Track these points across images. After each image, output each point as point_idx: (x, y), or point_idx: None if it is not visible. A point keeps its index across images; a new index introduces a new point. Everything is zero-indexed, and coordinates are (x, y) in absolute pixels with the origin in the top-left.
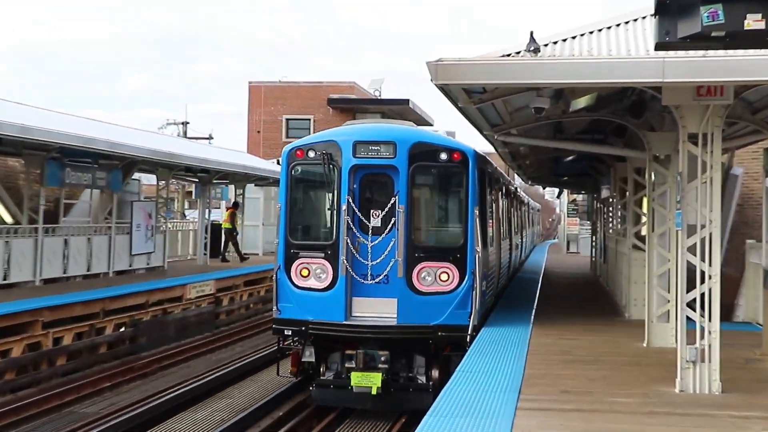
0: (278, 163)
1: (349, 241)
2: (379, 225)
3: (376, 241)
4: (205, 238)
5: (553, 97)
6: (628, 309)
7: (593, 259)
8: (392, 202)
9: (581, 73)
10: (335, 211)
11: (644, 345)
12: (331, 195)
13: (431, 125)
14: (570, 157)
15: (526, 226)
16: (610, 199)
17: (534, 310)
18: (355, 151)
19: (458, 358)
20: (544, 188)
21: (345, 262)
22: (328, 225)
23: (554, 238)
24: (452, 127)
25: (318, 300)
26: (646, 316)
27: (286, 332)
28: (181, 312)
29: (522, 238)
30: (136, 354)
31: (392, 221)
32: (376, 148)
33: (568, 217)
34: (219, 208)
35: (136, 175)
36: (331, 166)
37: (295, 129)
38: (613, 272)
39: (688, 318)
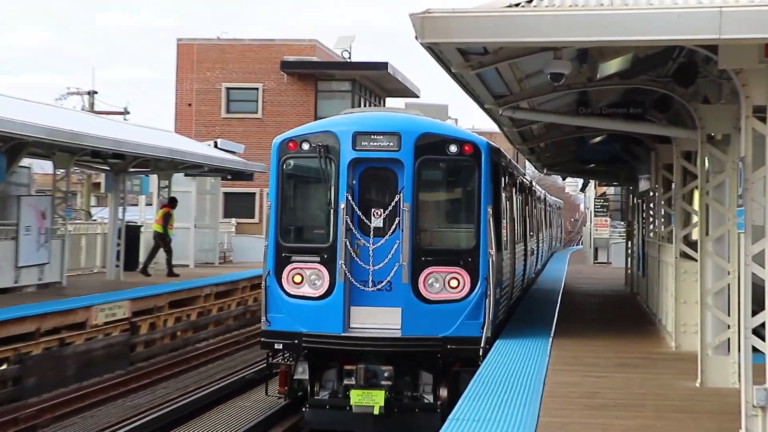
0: (216, 146)
1: (348, 243)
2: (382, 225)
3: (378, 244)
4: (118, 244)
5: (576, 60)
6: (675, 337)
7: (628, 270)
8: (396, 199)
9: (612, 27)
10: (332, 210)
11: (696, 385)
12: (327, 192)
13: (416, 97)
14: (597, 138)
15: (543, 228)
16: (651, 193)
17: (551, 337)
18: (355, 143)
19: (469, 375)
20: (563, 179)
21: (343, 266)
22: (324, 225)
23: (578, 244)
24: (443, 98)
25: (313, 310)
26: (699, 347)
27: (276, 346)
28: (85, 343)
29: (538, 243)
30: (22, 399)
31: (396, 221)
32: (378, 139)
33: (595, 216)
34: (137, 204)
35: (25, 162)
36: (327, 159)
37: (239, 101)
38: (655, 288)
39: (754, 349)
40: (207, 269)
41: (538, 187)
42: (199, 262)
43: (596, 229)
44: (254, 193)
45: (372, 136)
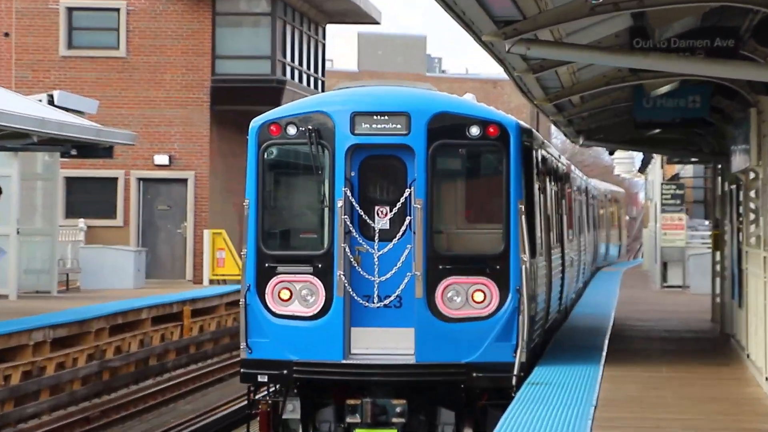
0: (53, 102)
1: (347, 249)
2: (389, 227)
3: (385, 250)
4: None
5: None
6: None
7: (717, 299)
8: (406, 195)
9: None
10: (327, 209)
11: None
12: (320, 187)
13: (376, 23)
14: (665, 88)
15: (584, 231)
16: (751, 175)
17: (594, 408)
18: (354, 126)
19: (499, 412)
20: (610, 153)
21: (342, 278)
22: (317, 228)
23: (635, 256)
24: (419, 27)
25: (305, 332)
26: None
27: (260, 378)
28: None
29: (579, 253)
30: None
31: (406, 221)
32: (382, 120)
33: (663, 212)
34: None
35: None
36: (320, 146)
37: (86, 30)
38: (760, 329)
39: None
40: (38, 302)
41: (577, 171)
42: (25, 290)
43: (665, 233)
44: (116, 179)
45: (375, 117)
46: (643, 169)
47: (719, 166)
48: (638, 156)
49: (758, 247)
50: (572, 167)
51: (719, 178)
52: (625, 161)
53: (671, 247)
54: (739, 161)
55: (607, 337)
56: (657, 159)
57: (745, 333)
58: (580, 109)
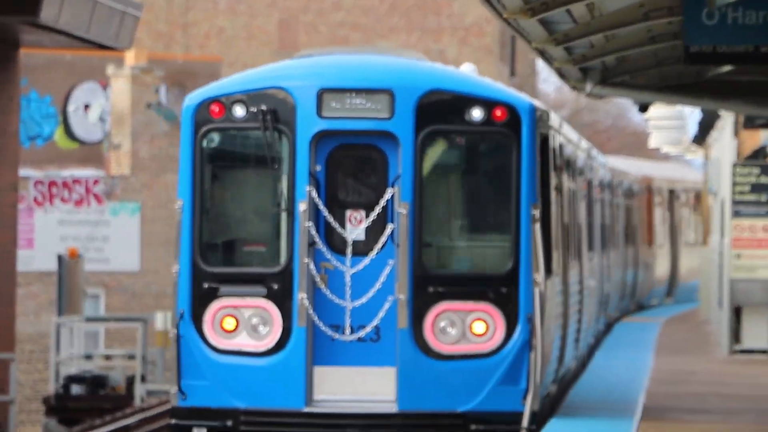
0: None
1: (311, 266)
2: (364, 238)
3: (360, 266)
4: None
5: None
6: None
7: None
8: (387, 197)
9: None
10: (286, 214)
11: None
12: (276, 185)
13: None
14: None
15: (591, 253)
16: None
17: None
18: (322, 107)
19: None
20: (642, 110)
21: (305, 303)
22: (272, 239)
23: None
24: None
25: (256, 373)
26: None
27: (195, 431)
28: None
29: (582, 294)
30: None
31: (387, 231)
32: (358, 100)
33: (737, 216)
34: None
35: None
36: (276, 132)
37: None
38: None
39: None
40: None
41: (597, 156)
42: None
43: (737, 255)
44: None
45: (349, 95)
46: (700, 139)
47: None
48: (692, 115)
49: None
50: (593, 152)
51: None
52: (668, 125)
53: (750, 281)
54: None
55: None
56: (727, 121)
57: None
58: (589, 28)
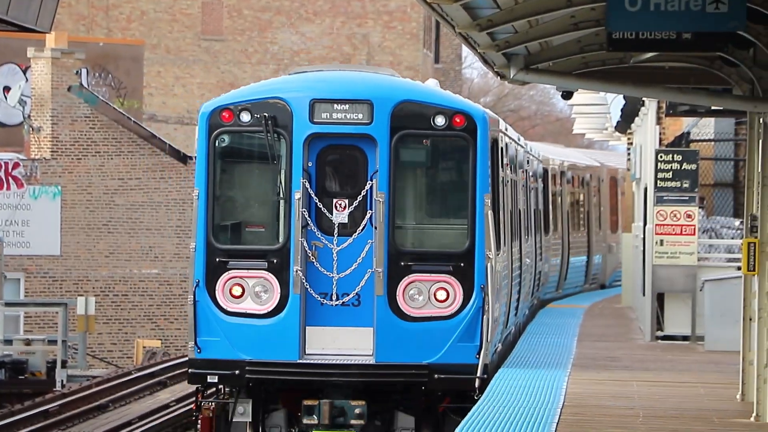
0: None
1: (304, 244)
2: (348, 221)
3: (344, 245)
4: None
5: None
6: None
7: (752, 363)
8: (367, 187)
9: None
10: (283, 202)
11: None
12: (276, 178)
13: None
14: None
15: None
16: None
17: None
18: (313, 114)
19: (459, 417)
20: (565, 97)
21: (299, 274)
22: (272, 221)
23: (608, 281)
24: None
25: (258, 331)
26: None
27: (210, 379)
28: None
29: (511, 277)
30: None
31: (367, 216)
32: (343, 109)
33: (659, 203)
34: None
35: None
36: (276, 135)
37: None
38: None
39: None
40: None
41: (532, 148)
42: None
43: (660, 242)
44: None
45: (335, 105)
46: (624, 126)
47: (762, 120)
48: (616, 102)
49: None
50: (529, 147)
51: (760, 143)
52: (592, 112)
53: (671, 267)
54: None
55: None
56: (649, 107)
57: None
58: (513, 14)
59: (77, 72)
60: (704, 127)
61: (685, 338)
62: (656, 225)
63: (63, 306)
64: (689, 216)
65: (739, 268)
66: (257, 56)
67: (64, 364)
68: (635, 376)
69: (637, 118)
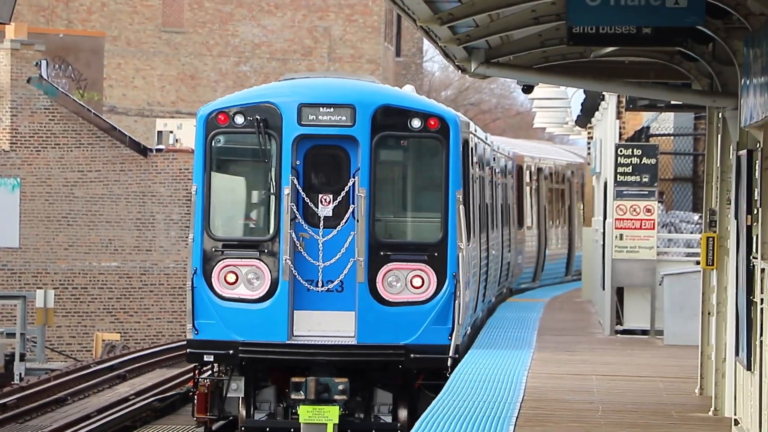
0: None
1: (293, 235)
2: (332, 215)
3: (329, 236)
4: None
5: None
6: None
7: (710, 356)
8: (350, 184)
9: None
10: (273, 197)
11: None
12: (267, 175)
13: None
14: None
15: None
16: None
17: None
18: (301, 117)
19: (433, 394)
20: (526, 91)
21: (288, 263)
22: (263, 215)
23: (565, 276)
24: None
25: (250, 315)
26: None
27: (206, 358)
28: None
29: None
30: None
31: (350, 210)
32: (328, 112)
33: (619, 197)
34: None
35: None
36: (267, 136)
37: None
38: None
39: None
40: None
41: (500, 146)
42: None
43: (620, 236)
44: None
45: (321, 109)
46: (584, 120)
47: (721, 115)
48: (576, 96)
49: None
50: (496, 145)
51: (719, 137)
52: (553, 107)
53: (631, 261)
54: (754, 106)
55: (512, 427)
56: (609, 102)
57: (757, 416)
58: (474, 7)
59: (37, 63)
60: (664, 122)
61: (644, 332)
62: (616, 219)
63: (22, 299)
64: (649, 210)
65: (698, 263)
66: (218, 48)
67: (22, 357)
68: (595, 370)
69: (597, 113)
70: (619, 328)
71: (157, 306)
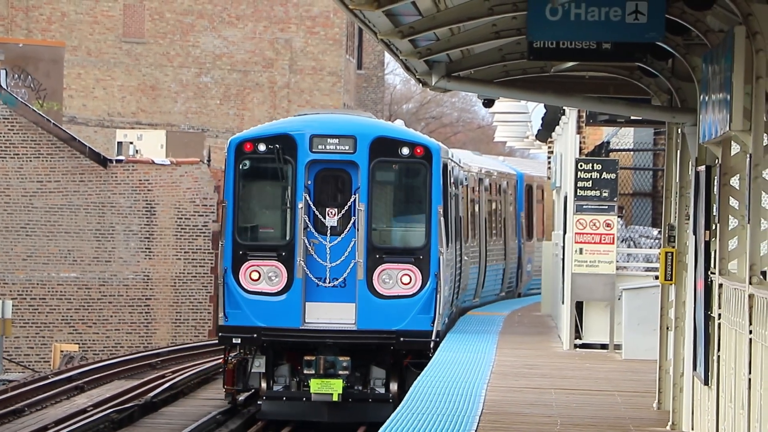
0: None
1: (305, 241)
2: (337, 225)
3: (335, 242)
4: None
5: None
6: None
7: (668, 371)
8: (352, 200)
9: None
10: (290, 210)
11: None
12: (284, 192)
13: None
14: None
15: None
16: (734, 146)
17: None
18: (312, 146)
19: (418, 371)
20: (487, 105)
21: (301, 263)
22: (281, 225)
23: (522, 286)
24: None
25: (270, 305)
26: None
27: (234, 340)
28: None
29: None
30: None
31: (352, 221)
32: (334, 142)
33: (579, 212)
34: None
35: None
36: (284, 161)
37: None
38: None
39: None
40: None
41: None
42: None
43: (579, 250)
44: None
45: (328, 139)
46: (544, 135)
47: (680, 130)
48: (537, 111)
49: (742, 278)
50: (462, 162)
51: (678, 153)
52: (513, 120)
53: (590, 276)
54: (713, 122)
55: None
56: (570, 117)
57: (714, 430)
58: (435, 21)
59: None
60: (624, 137)
61: (603, 346)
62: (576, 233)
63: None
64: (608, 225)
65: (656, 278)
66: (179, 59)
67: None
68: (554, 384)
69: (557, 127)
70: (578, 342)
71: (116, 317)
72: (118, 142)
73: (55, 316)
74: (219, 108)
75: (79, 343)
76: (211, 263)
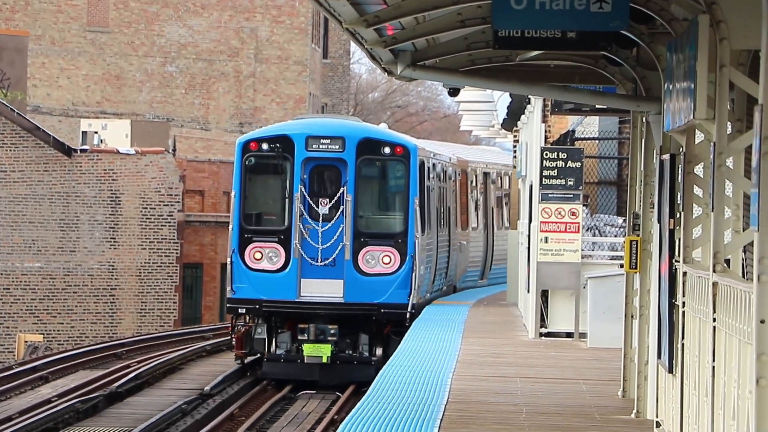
0: None
1: (301, 226)
2: (328, 212)
3: (326, 227)
4: None
5: None
6: None
7: (632, 359)
8: (341, 191)
9: None
10: (288, 200)
11: None
12: (283, 184)
13: None
14: None
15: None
16: (698, 134)
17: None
18: (307, 145)
19: (398, 338)
20: (452, 94)
21: (297, 245)
22: (280, 212)
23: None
24: None
25: (271, 281)
26: None
27: (240, 311)
28: None
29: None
30: None
31: (340, 209)
32: (326, 142)
33: (544, 200)
34: None
35: None
36: (284, 158)
37: None
38: (704, 409)
39: None
40: None
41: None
42: None
43: (545, 239)
44: None
45: (321, 140)
46: (510, 124)
47: (645, 119)
48: (502, 100)
49: (706, 266)
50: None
51: (643, 141)
52: (479, 110)
53: (556, 264)
54: (677, 111)
55: (436, 429)
56: (535, 106)
57: (678, 418)
58: (400, 10)
59: None
60: (589, 126)
61: (568, 335)
62: (541, 222)
63: None
64: (574, 213)
65: (621, 266)
66: (144, 49)
67: None
68: (519, 373)
69: (523, 116)
70: (543, 330)
71: (81, 307)
72: (82, 132)
73: (20, 306)
74: (184, 97)
75: (43, 334)
76: (176, 253)
